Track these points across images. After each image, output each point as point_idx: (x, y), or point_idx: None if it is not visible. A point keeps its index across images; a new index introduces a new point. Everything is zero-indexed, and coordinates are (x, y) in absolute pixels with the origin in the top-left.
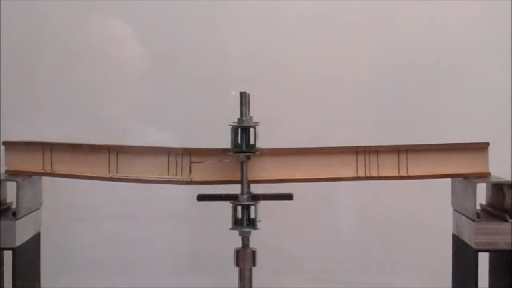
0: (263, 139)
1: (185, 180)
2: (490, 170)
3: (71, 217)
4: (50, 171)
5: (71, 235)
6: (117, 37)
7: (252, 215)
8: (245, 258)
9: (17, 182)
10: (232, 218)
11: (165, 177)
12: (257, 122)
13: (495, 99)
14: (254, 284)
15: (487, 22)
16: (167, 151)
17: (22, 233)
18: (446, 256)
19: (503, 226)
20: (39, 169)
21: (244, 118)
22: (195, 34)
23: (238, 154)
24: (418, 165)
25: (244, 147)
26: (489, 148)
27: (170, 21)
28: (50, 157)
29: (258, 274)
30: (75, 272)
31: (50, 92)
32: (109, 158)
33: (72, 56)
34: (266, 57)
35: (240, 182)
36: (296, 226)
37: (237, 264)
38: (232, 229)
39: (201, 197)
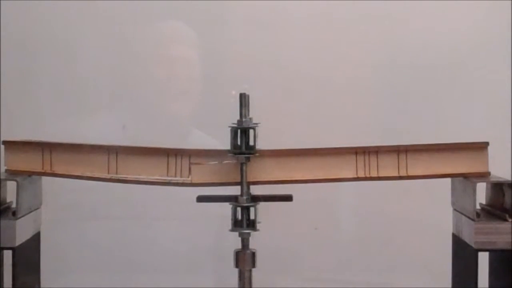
0: (263, 140)
1: (185, 181)
2: (490, 170)
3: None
4: (49, 171)
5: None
6: (114, 37)
7: (252, 217)
8: (244, 259)
9: (17, 181)
10: (232, 219)
11: (165, 178)
12: (256, 123)
13: (495, 99)
14: (254, 284)
15: (487, 22)
16: (167, 152)
17: (22, 232)
18: (446, 256)
19: (503, 226)
20: (38, 168)
21: (243, 120)
22: (194, 33)
23: (237, 155)
24: (417, 165)
25: (243, 149)
26: (489, 147)
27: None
28: (50, 157)
29: (258, 274)
30: (75, 272)
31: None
32: (108, 158)
33: (71, 55)
34: (265, 57)
35: (239, 183)
36: (296, 226)
37: (236, 265)
38: (232, 230)
39: (201, 198)
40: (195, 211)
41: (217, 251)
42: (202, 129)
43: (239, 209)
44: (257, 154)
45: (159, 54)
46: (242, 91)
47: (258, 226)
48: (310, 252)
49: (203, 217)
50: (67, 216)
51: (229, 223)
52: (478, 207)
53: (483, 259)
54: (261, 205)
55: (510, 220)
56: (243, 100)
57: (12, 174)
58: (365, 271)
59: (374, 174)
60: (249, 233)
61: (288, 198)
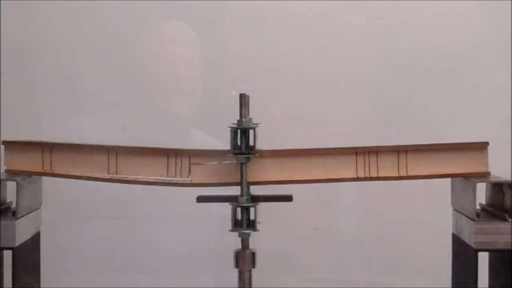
0: (263, 141)
1: (184, 182)
2: (490, 170)
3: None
4: (49, 171)
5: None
6: (114, 37)
7: (252, 217)
8: (244, 259)
9: (17, 181)
10: (231, 219)
11: (165, 178)
12: (256, 124)
13: (495, 99)
14: (254, 284)
15: (487, 22)
16: (167, 152)
17: (21, 232)
18: (446, 256)
19: (503, 226)
20: (38, 169)
21: (243, 120)
22: (194, 33)
23: (237, 155)
24: (417, 165)
25: (243, 149)
26: (489, 147)
27: (169, 20)
28: (50, 157)
29: (258, 275)
30: (75, 272)
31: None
32: (108, 158)
33: (71, 55)
34: (266, 57)
35: (239, 183)
36: (296, 226)
37: (236, 265)
38: (231, 230)
39: (201, 199)
40: (196, 211)
41: (217, 251)
42: (203, 129)
43: (239, 209)
44: (257, 154)
45: (159, 54)
46: (242, 91)
47: (258, 226)
48: (310, 252)
49: (203, 217)
50: (67, 216)
51: (229, 223)
52: (478, 207)
53: (483, 259)
54: (261, 205)
55: (510, 220)
56: (243, 100)
57: (12, 174)
58: (365, 271)
59: (374, 174)
60: (249, 233)
61: (288, 198)
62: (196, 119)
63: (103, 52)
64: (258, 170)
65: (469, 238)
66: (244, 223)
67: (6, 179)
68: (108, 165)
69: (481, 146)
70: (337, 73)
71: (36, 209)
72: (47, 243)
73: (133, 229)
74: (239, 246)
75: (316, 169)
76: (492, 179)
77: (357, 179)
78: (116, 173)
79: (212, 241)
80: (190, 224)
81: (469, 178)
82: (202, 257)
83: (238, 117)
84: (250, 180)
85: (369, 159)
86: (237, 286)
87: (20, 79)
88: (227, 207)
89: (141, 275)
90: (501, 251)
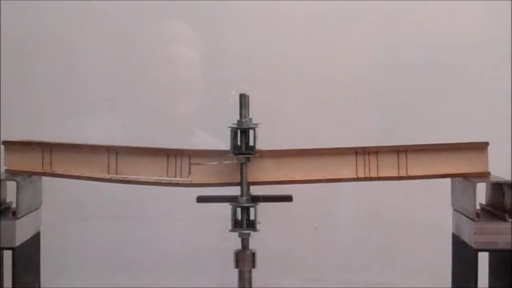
0: (263, 141)
1: (184, 182)
2: (489, 170)
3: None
4: (49, 171)
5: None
6: (114, 37)
7: (252, 217)
8: (244, 260)
9: (17, 181)
10: (231, 220)
11: (165, 178)
12: (256, 124)
13: (495, 99)
14: (254, 284)
15: (487, 22)
16: (167, 152)
17: (21, 232)
18: (446, 256)
19: (503, 226)
20: (38, 169)
21: (243, 120)
22: (194, 33)
23: (237, 155)
24: (417, 165)
25: (243, 149)
26: (489, 148)
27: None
28: (50, 157)
29: (258, 275)
30: (75, 272)
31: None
32: (108, 158)
33: (71, 55)
34: (265, 57)
35: (239, 184)
36: (296, 226)
37: (236, 266)
38: (231, 231)
39: (201, 199)
40: (196, 211)
41: (218, 251)
42: (204, 129)
43: (239, 209)
44: (257, 155)
45: (160, 54)
46: (242, 91)
47: (258, 226)
48: (309, 252)
49: (204, 217)
50: (67, 216)
51: (229, 223)
52: (478, 207)
53: (483, 259)
54: (261, 205)
55: (510, 220)
56: (243, 100)
57: (12, 174)
58: (365, 271)
59: (374, 174)
60: (249, 234)
61: (288, 198)
62: (196, 119)
63: (103, 52)
64: (258, 170)
65: (469, 238)
66: (244, 223)
67: (6, 179)
68: (108, 165)
69: (481, 146)
70: (337, 73)
71: (36, 209)
72: (47, 243)
73: (133, 229)
74: (239, 246)
75: (316, 169)
76: (492, 179)
77: (357, 179)
78: (116, 173)
79: (212, 241)
80: (190, 224)
81: (469, 178)
82: (202, 257)
83: (238, 117)
84: (250, 180)
85: (369, 159)
86: (237, 286)
87: (20, 79)
88: (227, 207)
89: (141, 275)
90: (501, 251)
